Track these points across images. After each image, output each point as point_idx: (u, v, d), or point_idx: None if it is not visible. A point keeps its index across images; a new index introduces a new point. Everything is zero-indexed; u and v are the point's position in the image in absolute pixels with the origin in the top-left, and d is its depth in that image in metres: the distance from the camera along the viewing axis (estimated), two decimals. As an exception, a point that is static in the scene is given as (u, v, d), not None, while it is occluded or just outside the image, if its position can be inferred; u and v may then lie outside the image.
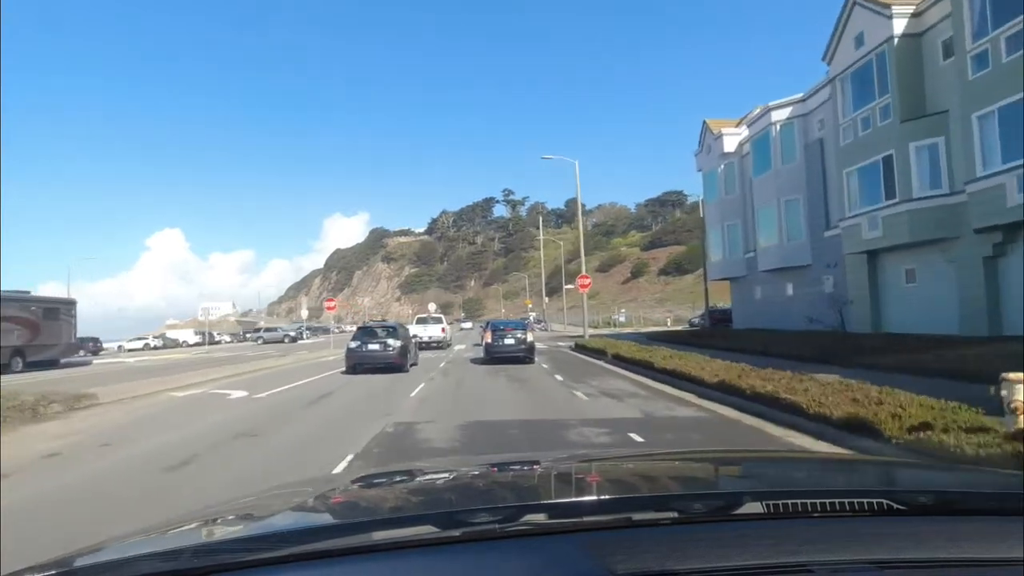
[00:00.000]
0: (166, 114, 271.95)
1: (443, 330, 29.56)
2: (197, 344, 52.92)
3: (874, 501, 1.12)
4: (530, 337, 19.41)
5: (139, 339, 53.65)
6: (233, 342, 57.70)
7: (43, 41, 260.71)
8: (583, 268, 31.22)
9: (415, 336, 30.05)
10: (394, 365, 16.27)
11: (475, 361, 20.46)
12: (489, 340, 19.37)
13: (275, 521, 1.32)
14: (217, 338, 59.70)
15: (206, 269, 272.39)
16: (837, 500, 1.10)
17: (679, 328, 42.63)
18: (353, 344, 16.64)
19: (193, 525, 1.34)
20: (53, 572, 1.00)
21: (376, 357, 16.24)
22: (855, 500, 1.11)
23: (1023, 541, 0.92)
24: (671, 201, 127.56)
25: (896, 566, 0.90)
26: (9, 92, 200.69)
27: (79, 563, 1.05)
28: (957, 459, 4.87)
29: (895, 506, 1.12)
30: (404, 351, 16.74)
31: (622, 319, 40.76)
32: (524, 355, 18.99)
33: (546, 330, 51.25)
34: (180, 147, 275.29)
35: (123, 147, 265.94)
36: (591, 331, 32.58)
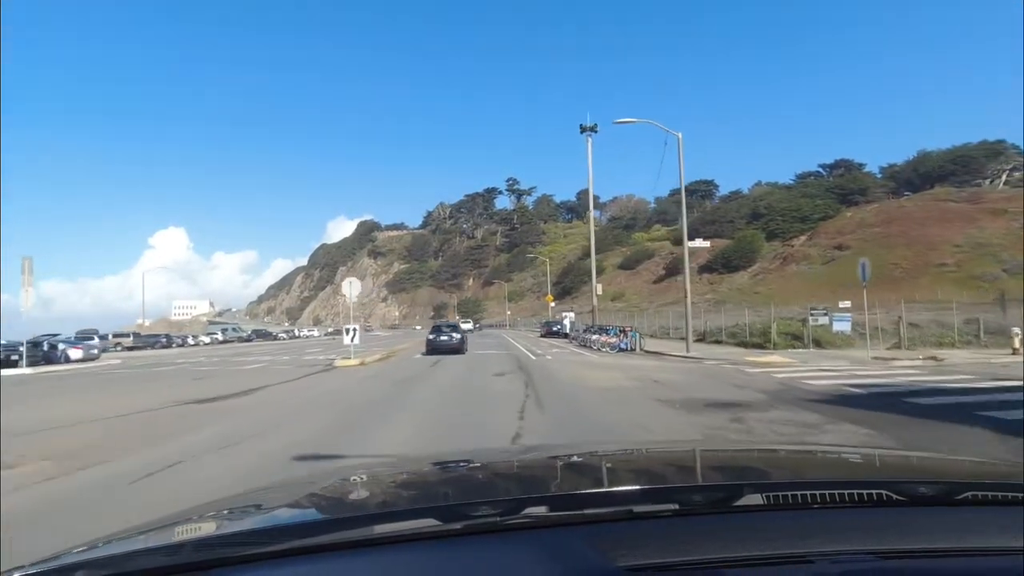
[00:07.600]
0: (173, 111, 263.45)
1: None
2: None
3: (874, 492, 1.10)
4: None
5: None
6: None
7: (47, 36, 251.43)
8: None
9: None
10: (457, 349, 24.89)
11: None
12: None
13: (277, 515, 1.30)
14: None
15: (209, 268, 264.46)
16: (837, 491, 1.08)
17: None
18: (431, 336, 25.74)
19: (194, 519, 1.29)
20: (53, 567, 0.97)
21: (446, 345, 25.01)
22: (855, 491, 1.09)
23: (1023, 530, 0.92)
24: (700, 191, 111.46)
25: (897, 556, 0.89)
26: (14, 89, 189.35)
27: (79, 558, 1.02)
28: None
29: (895, 496, 1.08)
30: (463, 340, 26.25)
31: (843, 327, 19.18)
32: None
33: (634, 348, 23.96)
34: (183, 146, 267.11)
35: (127, 144, 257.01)
36: (849, 371, 14.84)
